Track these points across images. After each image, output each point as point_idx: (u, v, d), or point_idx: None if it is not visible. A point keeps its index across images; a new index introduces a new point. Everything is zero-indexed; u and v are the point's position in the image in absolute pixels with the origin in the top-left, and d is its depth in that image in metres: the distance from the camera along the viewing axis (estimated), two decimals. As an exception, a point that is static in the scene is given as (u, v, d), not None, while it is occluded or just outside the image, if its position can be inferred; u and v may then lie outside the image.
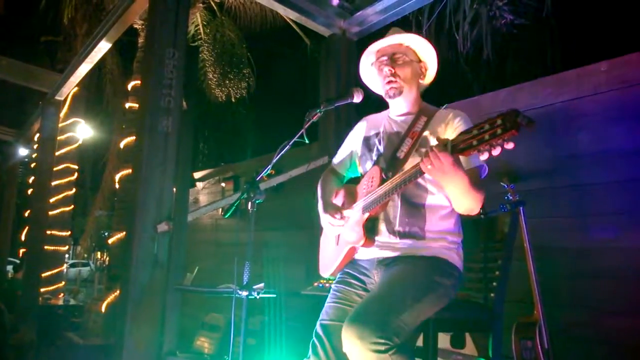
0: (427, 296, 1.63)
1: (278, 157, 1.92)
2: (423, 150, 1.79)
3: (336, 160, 2.21)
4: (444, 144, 1.41)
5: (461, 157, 1.47)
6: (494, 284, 1.94)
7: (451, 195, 1.68)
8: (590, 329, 2.61)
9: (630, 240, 2.52)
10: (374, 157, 1.96)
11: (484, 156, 1.29)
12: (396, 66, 1.91)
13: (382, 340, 1.42)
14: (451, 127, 1.81)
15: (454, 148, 1.37)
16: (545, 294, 2.35)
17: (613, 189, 2.62)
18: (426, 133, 1.84)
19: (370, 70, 2.05)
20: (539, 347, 2.28)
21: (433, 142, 1.81)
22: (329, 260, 2.01)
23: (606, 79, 2.73)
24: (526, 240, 2.39)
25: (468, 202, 1.64)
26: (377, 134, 2.01)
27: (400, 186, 1.64)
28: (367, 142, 2.04)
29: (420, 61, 1.98)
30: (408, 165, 1.77)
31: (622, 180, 2.59)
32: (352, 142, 2.14)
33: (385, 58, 1.94)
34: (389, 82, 1.91)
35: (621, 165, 2.61)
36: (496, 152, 1.26)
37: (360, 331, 1.44)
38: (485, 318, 1.90)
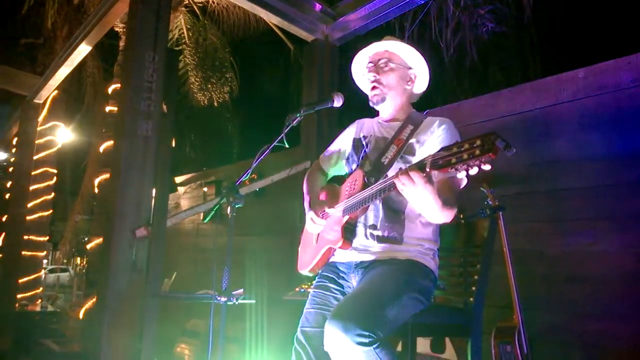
0: (407, 292, 1.65)
1: (258, 161, 1.92)
2: (408, 157, 1.83)
3: (323, 157, 2.24)
4: (418, 166, 1.43)
5: None
6: (473, 288, 1.94)
7: (421, 211, 1.71)
8: (569, 332, 2.63)
9: (607, 244, 2.55)
10: (360, 160, 1.98)
11: (462, 174, 1.30)
12: (381, 72, 1.96)
13: (367, 333, 1.43)
14: (435, 134, 1.84)
15: (434, 164, 1.37)
16: (524, 298, 2.37)
17: (590, 194, 2.65)
18: (412, 141, 1.87)
19: (361, 76, 2.11)
20: (518, 351, 2.29)
21: (418, 150, 1.85)
22: (308, 258, 2.03)
23: (584, 86, 2.77)
24: (505, 244, 2.40)
25: (436, 218, 1.68)
26: (365, 137, 2.04)
27: (380, 194, 1.65)
28: (355, 144, 2.06)
29: (409, 68, 2.01)
30: (391, 172, 1.79)
31: (599, 186, 2.63)
32: (342, 141, 2.17)
33: (371, 65, 1.99)
34: (373, 88, 1.97)
35: (598, 171, 2.64)
36: (473, 172, 1.27)
37: (344, 324, 1.44)
38: (464, 322, 1.91)
